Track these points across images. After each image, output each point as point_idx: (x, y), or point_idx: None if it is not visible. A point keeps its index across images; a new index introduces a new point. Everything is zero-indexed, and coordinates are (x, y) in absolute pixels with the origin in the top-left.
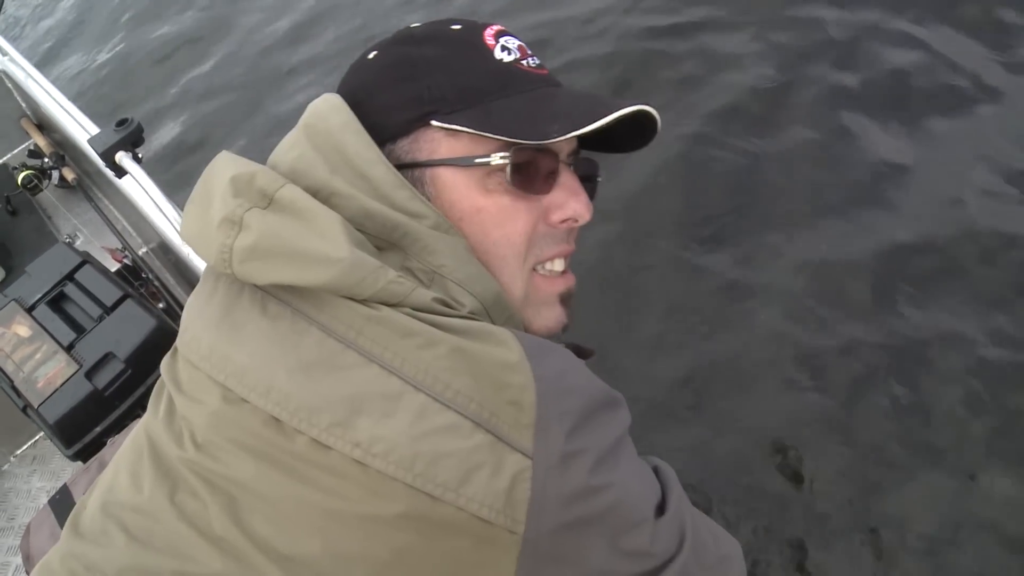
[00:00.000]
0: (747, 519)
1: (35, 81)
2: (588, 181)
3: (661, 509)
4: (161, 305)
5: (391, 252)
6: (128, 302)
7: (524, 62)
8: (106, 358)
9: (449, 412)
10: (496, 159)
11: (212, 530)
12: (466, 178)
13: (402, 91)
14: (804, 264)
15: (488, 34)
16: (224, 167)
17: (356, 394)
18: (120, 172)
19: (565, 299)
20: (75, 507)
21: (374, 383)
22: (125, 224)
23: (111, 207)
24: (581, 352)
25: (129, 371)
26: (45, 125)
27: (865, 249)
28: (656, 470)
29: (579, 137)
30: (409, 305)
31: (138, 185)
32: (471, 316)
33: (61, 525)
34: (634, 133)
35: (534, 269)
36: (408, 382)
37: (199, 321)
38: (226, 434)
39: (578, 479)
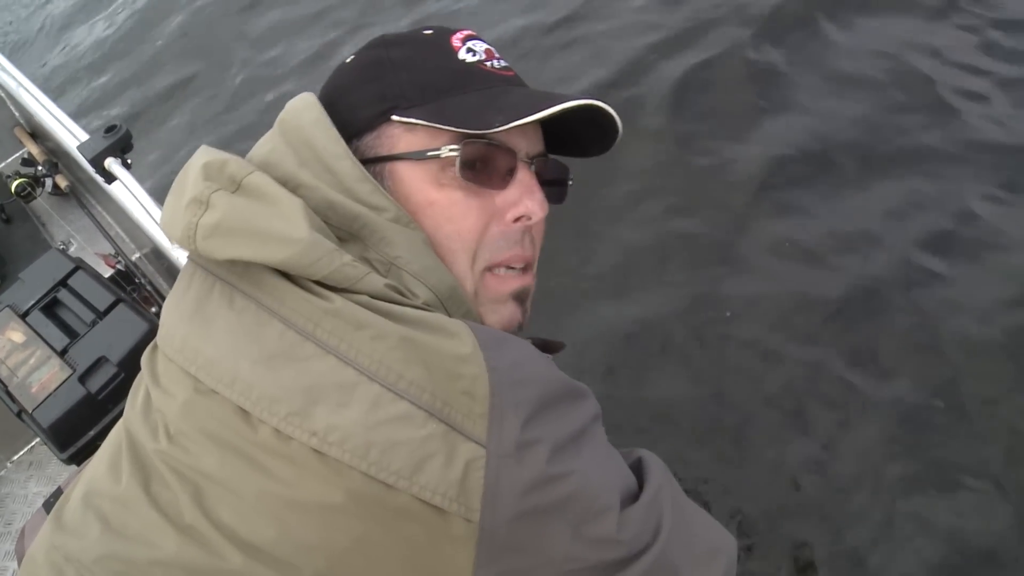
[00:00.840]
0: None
1: (27, 91)
2: (559, 184)
3: (634, 497)
4: (154, 309)
5: (352, 243)
6: (121, 307)
7: (488, 63)
8: (99, 362)
9: (402, 402)
10: (446, 151)
11: (182, 519)
12: (422, 172)
13: (369, 90)
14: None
15: (456, 37)
16: (199, 158)
17: (313, 384)
18: (110, 178)
19: (520, 298)
20: (59, 499)
21: (330, 374)
22: (118, 230)
23: (104, 214)
24: (548, 346)
25: (122, 375)
26: (38, 134)
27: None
28: (640, 461)
29: (551, 140)
30: (362, 290)
31: (128, 191)
32: (425, 307)
33: None
34: (598, 135)
35: (489, 270)
36: (363, 372)
37: (174, 315)
38: (196, 425)
39: (535, 468)
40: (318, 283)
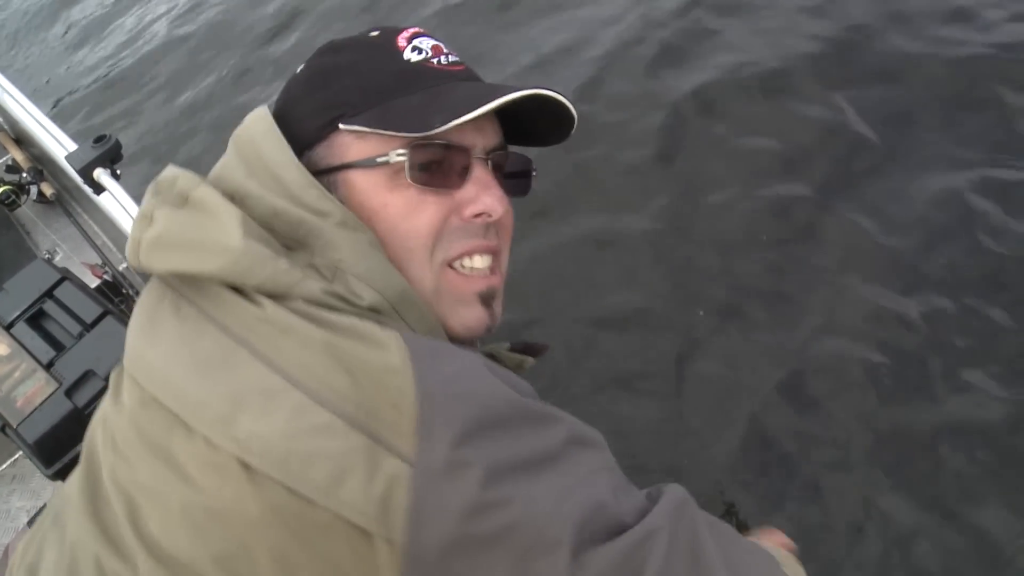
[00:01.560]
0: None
1: (11, 96)
2: (522, 176)
3: (610, 536)
4: None
5: (299, 251)
6: (108, 319)
7: (435, 60)
8: (86, 376)
9: (325, 412)
10: (395, 156)
11: (117, 531)
12: (374, 178)
13: (316, 99)
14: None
15: (402, 37)
16: (162, 175)
17: (240, 390)
18: (98, 189)
19: (487, 299)
20: (42, 513)
21: (256, 380)
22: (105, 240)
23: (90, 223)
24: (531, 349)
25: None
26: (23, 140)
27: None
28: (652, 499)
29: (511, 132)
30: (299, 295)
31: (116, 201)
32: (371, 311)
33: None
34: (554, 124)
35: (450, 266)
36: (287, 380)
37: (132, 326)
38: (139, 434)
39: (468, 491)
40: (258, 292)
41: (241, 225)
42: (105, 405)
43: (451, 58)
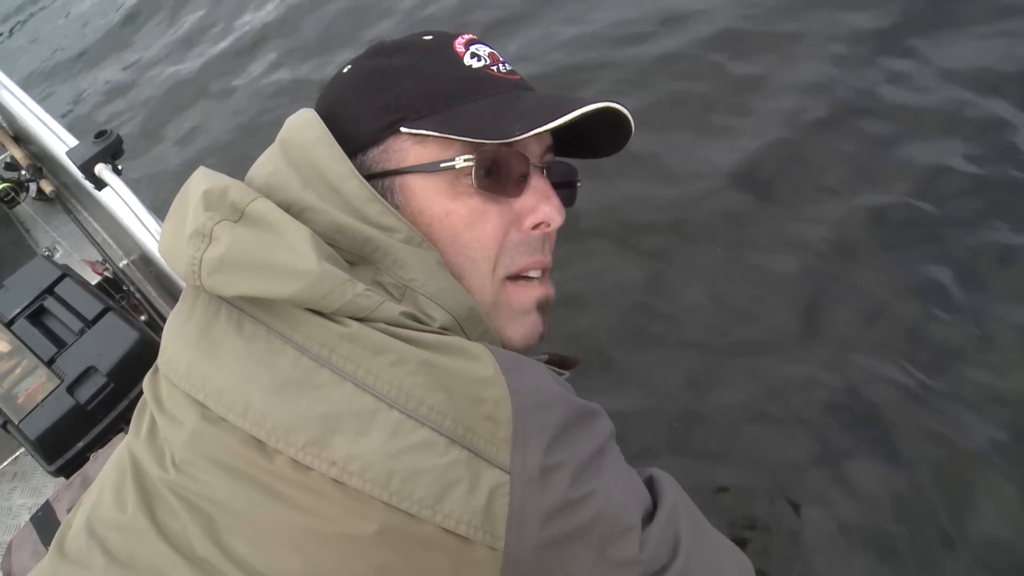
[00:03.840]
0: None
1: (10, 92)
2: (567, 187)
3: (650, 516)
4: (143, 317)
5: (363, 267)
6: (109, 315)
7: (494, 68)
8: (88, 372)
9: (423, 429)
10: (460, 162)
11: (194, 551)
12: (435, 184)
13: (372, 101)
14: None
15: (459, 42)
16: (199, 182)
17: (331, 413)
18: (100, 184)
19: (542, 307)
20: (60, 527)
21: (348, 401)
22: (105, 236)
23: (91, 219)
24: (565, 362)
25: (112, 385)
26: (21, 137)
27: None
28: (651, 479)
29: (556, 142)
30: (378, 319)
31: (118, 197)
32: (443, 331)
33: (44, 542)
34: (610, 135)
35: (510, 279)
36: (382, 399)
37: (179, 340)
38: (204, 453)
39: (558, 492)
40: (338, 314)
41: (313, 246)
42: (147, 417)
43: (507, 66)
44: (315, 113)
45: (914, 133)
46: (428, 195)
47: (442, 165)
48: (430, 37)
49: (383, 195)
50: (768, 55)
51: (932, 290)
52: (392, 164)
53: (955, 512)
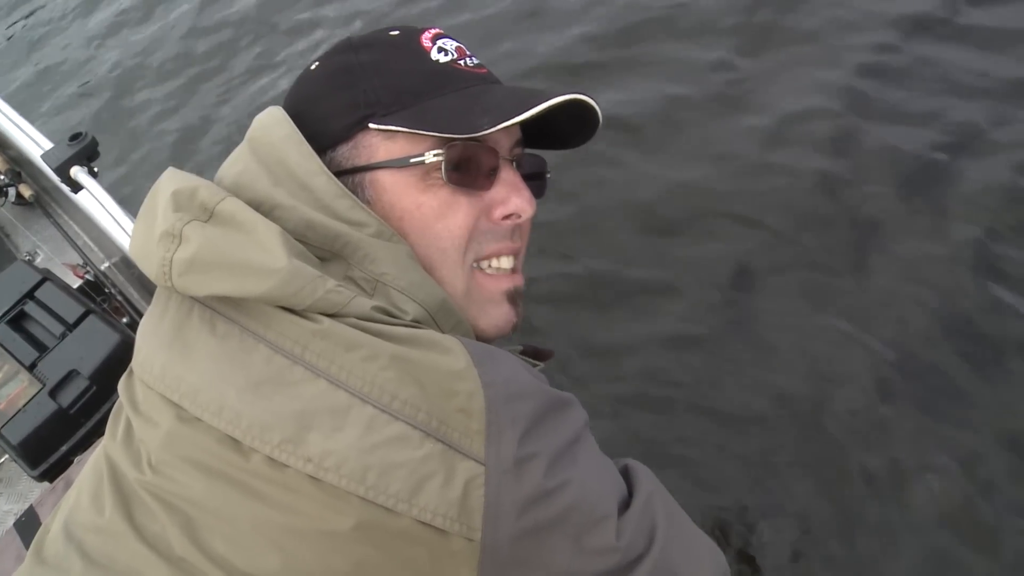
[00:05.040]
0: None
1: None
2: (537, 178)
3: (626, 505)
4: (125, 320)
5: (334, 262)
6: (91, 318)
7: (461, 62)
8: (70, 376)
9: (397, 423)
10: (430, 156)
11: (172, 551)
12: (405, 179)
13: (340, 98)
14: None
15: (425, 37)
16: (168, 182)
17: (305, 409)
18: (76, 187)
19: (513, 298)
20: (39, 531)
21: (322, 398)
22: (86, 239)
23: (71, 223)
24: (539, 354)
25: (94, 388)
26: None
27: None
28: (626, 469)
29: (524, 134)
30: (350, 314)
31: (95, 200)
32: (415, 324)
33: (27, 547)
34: (578, 126)
35: (478, 267)
36: (355, 395)
37: (152, 341)
38: (180, 453)
39: (533, 482)
40: (309, 311)
41: (283, 244)
42: (123, 419)
43: (474, 60)
44: (283, 111)
45: None
46: (398, 189)
47: (412, 160)
48: (396, 32)
49: (353, 191)
50: None
51: None
52: (362, 160)
53: None
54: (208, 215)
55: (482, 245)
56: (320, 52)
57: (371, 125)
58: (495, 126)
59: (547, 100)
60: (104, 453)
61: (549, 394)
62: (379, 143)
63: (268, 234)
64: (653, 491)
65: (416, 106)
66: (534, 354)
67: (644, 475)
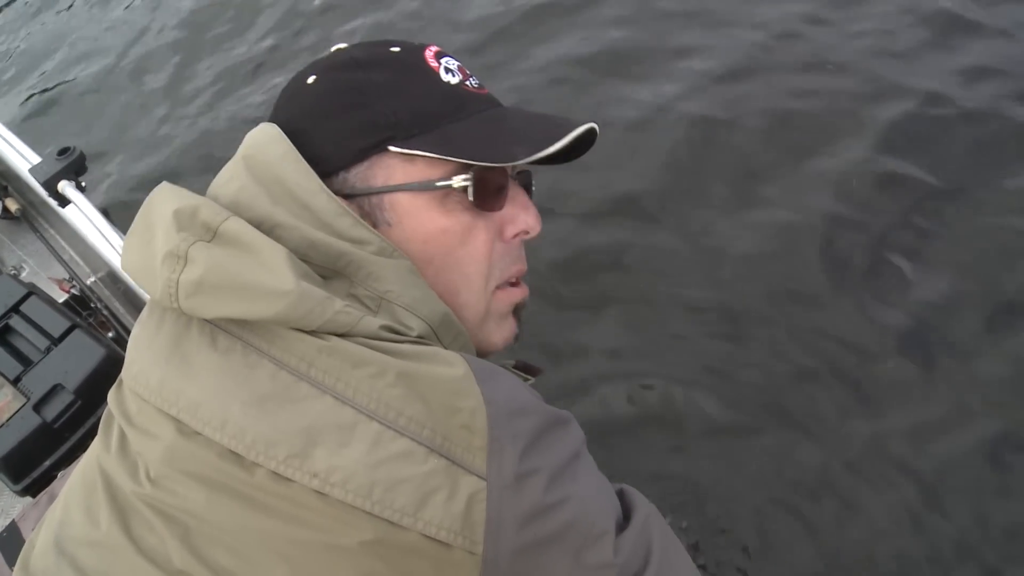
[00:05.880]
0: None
1: None
2: (526, 191)
3: (623, 524)
4: (111, 334)
5: (337, 280)
6: (76, 332)
7: (467, 83)
8: (55, 390)
9: (403, 439)
10: (458, 181)
11: (171, 564)
12: (425, 201)
13: (353, 118)
14: None
15: (429, 56)
16: (165, 199)
17: (311, 426)
18: (63, 201)
19: (518, 311)
20: (24, 547)
21: (328, 414)
22: (72, 254)
23: (57, 237)
24: (530, 370)
25: (79, 402)
26: None
27: None
28: (622, 492)
29: None
30: (358, 334)
31: (82, 214)
32: (420, 340)
33: (9, 563)
34: (574, 148)
35: (499, 287)
36: (361, 412)
37: (147, 354)
38: (181, 467)
39: (533, 498)
40: (318, 331)
41: (290, 265)
42: (115, 431)
43: (476, 81)
44: (278, 128)
45: None
46: (420, 213)
47: (438, 184)
48: (398, 49)
49: (369, 213)
50: None
51: None
52: (378, 182)
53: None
54: (211, 235)
55: (503, 270)
56: (308, 62)
57: (392, 148)
58: (530, 156)
59: (571, 130)
60: (97, 464)
61: (548, 411)
62: (397, 165)
63: (274, 255)
64: (650, 513)
65: (437, 130)
66: (525, 369)
67: (640, 499)
